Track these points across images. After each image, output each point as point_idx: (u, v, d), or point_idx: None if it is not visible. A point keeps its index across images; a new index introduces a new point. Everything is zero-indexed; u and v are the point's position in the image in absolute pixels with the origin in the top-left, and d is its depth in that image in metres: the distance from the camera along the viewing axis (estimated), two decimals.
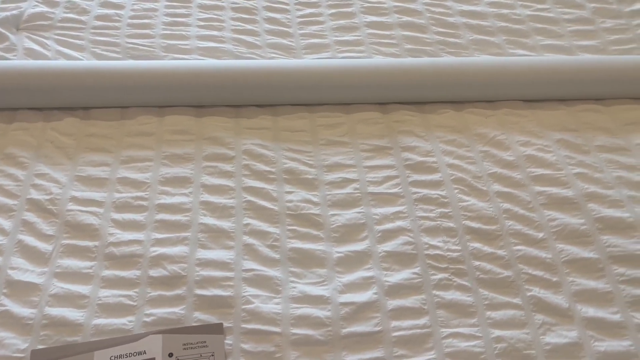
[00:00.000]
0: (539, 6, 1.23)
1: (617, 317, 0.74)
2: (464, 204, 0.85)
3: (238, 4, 1.19)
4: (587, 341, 0.72)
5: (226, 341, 0.71)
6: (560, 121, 0.99)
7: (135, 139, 0.94)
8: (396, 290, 0.75)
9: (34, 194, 0.84)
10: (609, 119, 0.99)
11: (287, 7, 1.20)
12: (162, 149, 0.92)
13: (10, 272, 0.75)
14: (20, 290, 0.74)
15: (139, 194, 0.86)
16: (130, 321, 0.72)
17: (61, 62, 0.99)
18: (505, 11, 1.21)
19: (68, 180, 0.87)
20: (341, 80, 0.99)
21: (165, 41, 1.10)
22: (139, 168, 0.89)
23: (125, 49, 1.08)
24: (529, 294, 0.76)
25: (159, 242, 0.80)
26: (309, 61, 1.02)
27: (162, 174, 0.88)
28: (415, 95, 1.00)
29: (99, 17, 1.14)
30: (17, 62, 0.99)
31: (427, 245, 0.80)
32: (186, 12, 1.17)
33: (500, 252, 0.80)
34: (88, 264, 0.77)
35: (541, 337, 0.72)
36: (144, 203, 0.84)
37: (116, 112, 0.97)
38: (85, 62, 1.01)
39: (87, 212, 0.83)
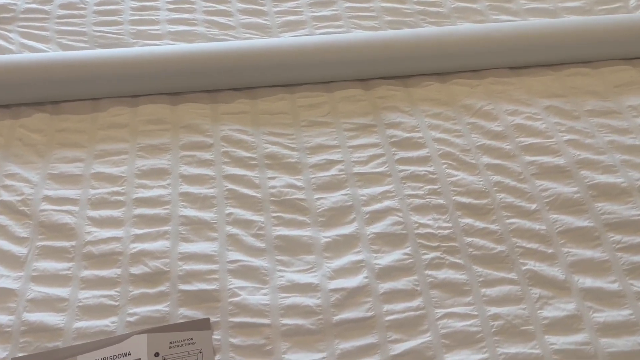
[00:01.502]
0: None
1: (615, 286, 0.72)
2: (453, 179, 0.83)
3: None
4: (585, 313, 0.70)
5: (214, 336, 0.68)
6: (548, 87, 0.96)
7: (109, 132, 0.90)
8: (387, 272, 0.73)
9: (5, 196, 0.81)
10: (598, 82, 0.97)
11: None
12: (137, 141, 0.88)
13: None
14: None
15: (115, 188, 0.83)
16: (113, 322, 0.70)
17: (26, 55, 0.95)
18: None
19: (40, 179, 0.84)
20: (320, 58, 0.95)
21: (135, 27, 1.06)
22: (113, 162, 0.86)
23: (93, 38, 1.04)
24: (524, 268, 0.74)
25: (138, 238, 0.77)
26: (286, 39, 0.99)
27: (138, 166, 0.85)
28: (398, 69, 0.97)
29: (64, 6, 1.10)
30: None
31: (417, 224, 0.78)
32: None
33: (493, 226, 0.78)
34: (66, 265, 0.75)
35: (538, 311, 0.70)
36: (121, 198, 0.81)
37: (87, 105, 0.94)
38: (51, 53, 0.96)
39: (61, 211, 0.80)
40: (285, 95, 0.96)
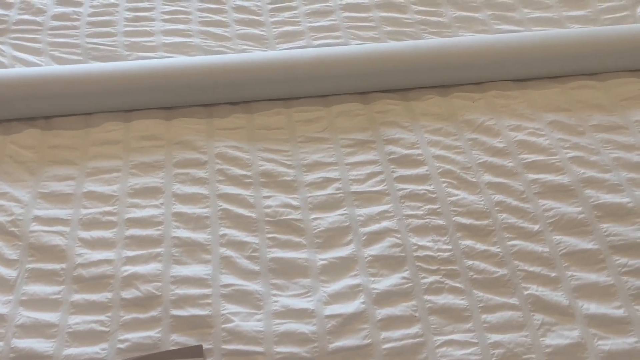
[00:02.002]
0: None
1: (620, 312, 0.70)
2: (454, 198, 0.81)
3: None
4: (590, 340, 0.68)
5: None
6: (552, 101, 0.94)
7: (101, 148, 0.89)
8: (385, 297, 0.72)
9: None
10: (604, 95, 0.95)
11: None
12: (130, 158, 0.87)
13: None
14: None
15: (107, 208, 0.81)
16: (103, 349, 0.68)
17: (17, 70, 0.94)
18: None
19: (30, 198, 0.82)
20: (318, 71, 0.94)
21: (129, 39, 1.05)
22: (105, 180, 0.85)
23: (86, 50, 1.02)
24: (526, 292, 0.72)
25: (130, 260, 0.75)
26: (283, 52, 0.97)
27: (131, 185, 0.84)
28: (398, 82, 0.95)
29: (56, 17, 1.08)
30: None
31: (415, 246, 0.76)
32: (149, 6, 1.11)
33: (494, 248, 0.76)
34: (56, 288, 0.73)
35: (541, 339, 0.69)
36: (113, 218, 0.80)
37: (80, 120, 0.92)
38: (43, 68, 0.95)
39: (52, 232, 0.78)
40: (282, 109, 0.94)
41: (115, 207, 0.81)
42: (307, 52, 0.96)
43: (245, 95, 0.94)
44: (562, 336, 0.69)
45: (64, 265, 0.75)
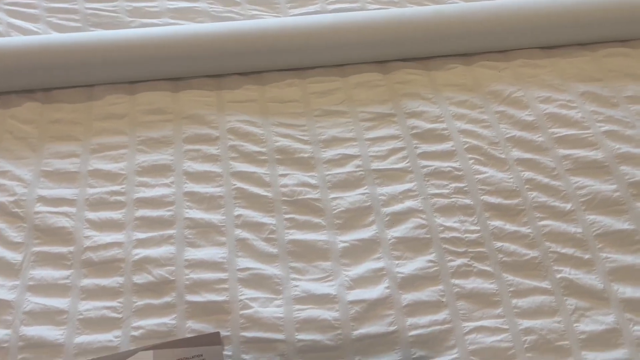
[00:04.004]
0: None
1: None
2: (481, 176, 0.78)
3: None
4: (625, 325, 0.67)
5: (225, 352, 0.65)
6: (583, 70, 0.90)
7: (106, 123, 0.85)
8: (410, 282, 0.70)
9: None
10: (637, 63, 0.91)
11: None
12: (137, 133, 0.84)
13: None
14: None
15: (115, 187, 0.78)
16: (116, 336, 0.67)
17: (15, 39, 0.89)
18: None
19: (33, 176, 0.80)
20: (333, 39, 0.90)
21: (131, 4, 1.00)
22: (112, 157, 0.82)
23: (85, 16, 0.98)
24: (558, 275, 0.70)
25: (141, 243, 0.73)
26: (296, 19, 0.92)
27: (139, 162, 0.81)
28: (419, 50, 0.91)
29: None
30: None
31: (441, 228, 0.74)
32: None
33: (524, 229, 0.74)
34: (64, 273, 0.71)
35: (575, 324, 0.67)
36: (121, 198, 0.77)
37: (82, 92, 0.89)
38: (42, 36, 0.91)
39: (58, 213, 0.76)
40: (296, 80, 0.90)
41: (123, 186, 0.78)
42: (321, 18, 0.91)
43: (256, 65, 0.90)
44: (597, 322, 0.67)
45: (71, 249, 0.73)
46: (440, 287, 0.69)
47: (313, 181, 0.79)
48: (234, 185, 0.78)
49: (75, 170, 0.80)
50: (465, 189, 0.77)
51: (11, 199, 0.77)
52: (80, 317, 0.68)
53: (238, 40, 0.88)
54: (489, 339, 0.66)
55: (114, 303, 0.69)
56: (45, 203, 0.77)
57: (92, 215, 0.76)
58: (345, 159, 0.81)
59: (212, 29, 0.90)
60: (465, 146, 0.81)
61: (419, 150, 0.81)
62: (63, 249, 0.73)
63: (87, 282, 0.71)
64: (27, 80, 0.87)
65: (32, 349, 0.66)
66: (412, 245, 0.73)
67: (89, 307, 0.69)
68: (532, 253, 0.72)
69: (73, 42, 0.88)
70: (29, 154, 0.82)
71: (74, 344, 0.66)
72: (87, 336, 0.67)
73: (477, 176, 0.78)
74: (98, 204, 0.77)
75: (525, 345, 0.65)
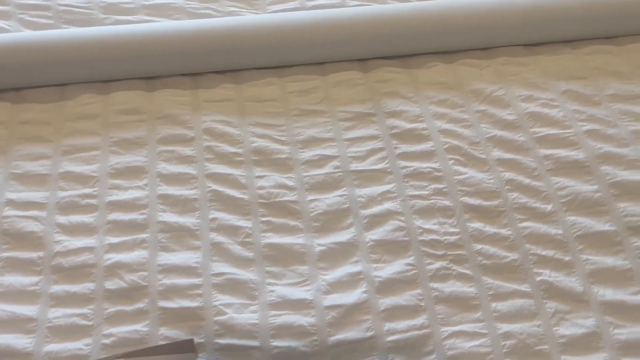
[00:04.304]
0: None
1: (638, 299, 0.67)
2: (461, 177, 0.77)
3: None
4: (605, 329, 0.66)
5: (199, 359, 0.65)
6: (566, 68, 0.89)
7: (78, 124, 0.83)
8: (388, 286, 0.69)
9: None
10: (622, 61, 0.90)
11: None
12: (110, 134, 0.82)
13: None
14: None
15: (87, 190, 0.76)
16: (86, 344, 0.65)
17: None
18: None
19: (2, 179, 0.77)
20: (313, 36, 0.88)
21: (105, 0, 0.98)
22: (84, 159, 0.80)
23: (58, 13, 0.95)
24: (538, 278, 0.69)
25: (113, 248, 0.72)
26: (275, 16, 0.91)
27: (112, 164, 0.79)
28: (400, 48, 0.90)
29: None
30: None
31: (420, 230, 0.73)
32: None
33: (504, 231, 0.73)
34: (33, 279, 0.69)
35: (554, 328, 0.66)
36: (93, 201, 0.75)
37: (53, 92, 0.86)
38: (12, 34, 0.88)
39: (27, 217, 0.74)
40: (274, 79, 0.88)
41: (95, 189, 0.76)
42: (301, 15, 0.89)
43: (234, 63, 0.88)
44: (577, 325, 0.66)
45: (41, 254, 0.71)
46: (419, 290, 0.68)
47: (290, 183, 0.77)
48: (209, 187, 0.76)
49: (45, 172, 0.78)
50: (445, 190, 0.76)
51: None
52: (50, 324, 0.66)
53: (215, 38, 0.87)
54: (468, 344, 0.65)
55: (84, 310, 0.67)
56: (14, 207, 0.75)
57: (62, 219, 0.74)
58: (324, 159, 0.80)
59: (188, 26, 0.88)
60: (445, 146, 0.80)
61: (398, 151, 0.80)
62: (32, 254, 0.71)
63: (57, 288, 0.69)
64: None
65: (0, 358, 0.64)
66: (390, 248, 0.71)
67: (59, 314, 0.67)
68: (512, 255, 0.71)
69: (45, 39, 0.86)
70: None
71: (43, 352, 0.64)
72: (57, 344, 0.65)
73: (456, 177, 0.77)
74: (69, 207, 0.75)
75: (504, 350, 0.64)
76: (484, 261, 0.71)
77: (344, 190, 0.77)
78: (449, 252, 0.71)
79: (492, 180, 0.77)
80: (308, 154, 0.80)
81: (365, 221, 0.74)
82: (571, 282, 0.69)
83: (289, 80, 0.88)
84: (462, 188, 0.76)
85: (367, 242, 0.72)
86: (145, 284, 0.69)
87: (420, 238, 0.72)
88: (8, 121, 0.83)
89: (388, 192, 0.76)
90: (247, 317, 0.67)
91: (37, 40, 0.86)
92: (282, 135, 0.82)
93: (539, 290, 0.69)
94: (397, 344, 0.65)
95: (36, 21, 0.95)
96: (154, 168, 0.79)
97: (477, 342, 0.65)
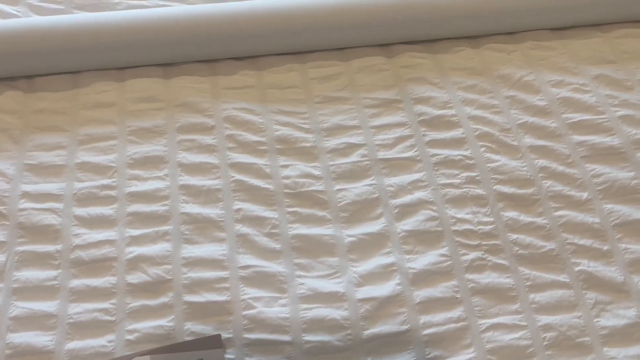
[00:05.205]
0: None
1: None
2: (493, 164, 0.75)
3: None
4: None
5: (227, 356, 0.62)
6: (596, 52, 0.87)
7: (93, 112, 0.81)
8: (423, 277, 0.67)
9: None
10: None
11: None
12: (127, 123, 0.79)
13: None
14: None
15: (105, 181, 0.74)
16: (110, 341, 0.63)
17: None
18: None
19: (16, 170, 0.75)
20: (334, 20, 0.85)
21: None
22: (101, 149, 0.77)
23: None
24: (576, 268, 0.67)
25: (135, 240, 0.69)
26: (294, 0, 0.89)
27: (130, 154, 0.76)
28: (424, 32, 0.88)
29: None
30: None
31: (453, 220, 0.70)
32: None
33: (540, 220, 0.71)
34: (51, 273, 0.67)
35: (595, 319, 0.64)
36: (112, 192, 0.73)
37: (67, 80, 0.84)
38: (23, 20, 0.86)
39: (43, 209, 0.71)
40: (295, 65, 0.86)
41: (113, 179, 0.74)
42: None
43: (253, 49, 0.86)
44: (618, 316, 0.64)
45: (59, 247, 0.69)
46: (454, 282, 0.66)
47: (316, 172, 0.75)
48: (233, 177, 0.74)
49: (61, 163, 0.76)
50: (477, 178, 0.74)
51: None
52: (71, 320, 0.64)
53: (233, 23, 0.84)
54: (507, 337, 0.63)
55: (106, 305, 0.65)
56: (30, 199, 0.72)
57: (80, 211, 0.72)
58: (350, 148, 0.77)
59: (205, 11, 0.85)
60: (476, 133, 0.78)
61: (427, 138, 0.78)
62: (50, 248, 0.69)
63: (76, 282, 0.67)
64: (7, 67, 0.82)
65: (20, 357, 0.62)
66: (423, 239, 0.69)
67: (80, 309, 0.65)
68: (549, 245, 0.69)
69: (56, 25, 0.83)
70: (12, 147, 0.77)
71: (64, 350, 0.62)
72: (79, 341, 0.63)
73: (489, 165, 0.75)
74: (87, 199, 0.73)
75: (545, 343, 0.63)
76: (520, 251, 0.69)
77: (372, 180, 0.74)
78: (484, 242, 0.69)
79: (525, 168, 0.75)
80: (333, 142, 0.78)
81: (395, 211, 0.72)
82: (611, 271, 0.67)
83: (310, 66, 0.86)
84: (494, 176, 0.74)
85: (399, 233, 0.70)
86: (170, 277, 0.66)
87: (454, 228, 0.70)
88: (22, 110, 0.81)
89: (418, 180, 0.74)
90: (277, 310, 0.64)
91: (48, 26, 0.83)
92: (306, 123, 0.80)
93: (578, 281, 0.67)
94: (434, 337, 0.63)
95: (46, 6, 0.92)
96: (174, 158, 0.76)
97: (517, 335, 0.63)
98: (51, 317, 0.64)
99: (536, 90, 0.82)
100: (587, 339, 0.63)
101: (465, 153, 0.76)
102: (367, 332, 0.63)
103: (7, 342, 0.62)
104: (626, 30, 0.89)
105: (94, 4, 0.92)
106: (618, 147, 0.76)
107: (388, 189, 0.73)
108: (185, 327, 0.63)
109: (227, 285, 0.66)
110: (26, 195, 0.72)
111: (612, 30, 0.90)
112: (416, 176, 0.74)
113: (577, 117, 0.79)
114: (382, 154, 0.77)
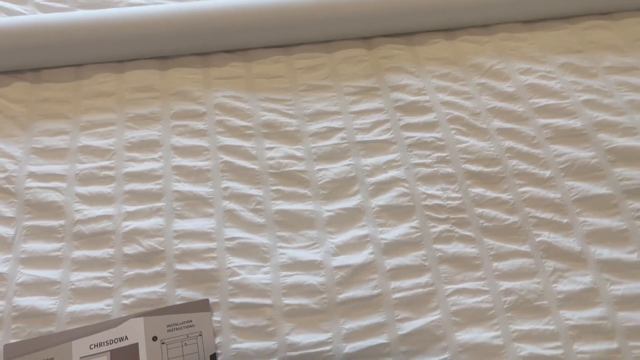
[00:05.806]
0: None
1: (634, 257, 0.71)
2: (462, 145, 0.80)
3: None
4: (602, 285, 0.69)
5: (214, 318, 0.68)
6: (563, 42, 0.93)
7: (95, 101, 0.87)
8: (394, 247, 0.72)
9: None
10: (617, 35, 0.93)
11: None
12: (125, 110, 0.86)
13: None
14: None
15: (104, 163, 0.80)
16: (108, 305, 0.69)
17: (2, 20, 0.91)
18: None
19: (23, 153, 0.81)
20: (319, 15, 0.91)
21: None
22: (101, 134, 0.84)
23: None
24: (537, 239, 0.73)
25: (131, 216, 0.75)
26: None
27: (128, 138, 0.83)
28: (402, 26, 0.93)
29: None
30: None
31: (424, 195, 0.76)
32: None
33: (505, 196, 0.76)
34: (55, 245, 0.73)
35: (553, 285, 0.70)
36: (111, 173, 0.79)
37: (70, 72, 0.90)
38: (29, 17, 0.92)
39: (48, 188, 0.78)
40: (282, 57, 0.92)
41: (112, 161, 0.80)
42: None
43: (243, 42, 0.92)
44: (575, 282, 0.70)
45: (62, 222, 0.75)
46: (423, 252, 0.72)
47: (299, 154, 0.81)
48: (222, 158, 0.80)
49: (65, 146, 0.82)
50: (447, 158, 0.79)
51: (2, 175, 0.78)
52: (72, 287, 0.70)
53: (225, 18, 0.90)
54: (470, 300, 0.68)
55: (104, 273, 0.71)
56: (36, 179, 0.79)
57: (82, 189, 0.78)
58: (331, 131, 0.83)
59: (198, 7, 0.91)
60: (447, 117, 0.83)
61: (402, 122, 0.83)
62: (54, 223, 0.75)
63: (78, 253, 0.73)
64: (15, 60, 0.89)
65: (26, 318, 0.68)
66: (395, 213, 0.75)
67: (81, 277, 0.71)
68: (512, 218, 0.74)
69: (61, 22, 0.89)
70: (19, 132, 0.84)
71: (66, 312, 0.68)
72: (79, 305, 0.69)
73: (458, 146, 0.80)
74: (88, 178, 0.79)
75: (505, 306, 0.68)
76: (485, 224, 0.74)
77: (350, 160, 0.80)
78: (452, 216, 0.74)
79: (492, 148, 0.80)
80: (315, 126, 0.84)
81: (371, 188, 0.77)
82: (569, 242, 0.72)
83: (296, 57, 0.92)
84: (463, 156, 0.79)
85: (373, 208, 0.75)
86: (162, 248, 0.72)
87: (424, 203, 0.75)
88: (28, 99, 0.87)
89: (393, 161, 0.79)
90: (259, 277, 0.70)
91: (53, 22, 0.89)
92: (291, 109, 0.86)
93: (539, 250, 0.72)
94: (403, 300, 0.68)
95: (51, 5, 0.99)
96: (168, 141, 0.82)
97: (479, 299, 0.68)
98: (55, 284, 0.70)
99: (505, 77, 0.88)
100: (545, 302, 0.68)
101: (437, 135, 0.81)
102: (341, 296, 0.69)
103: (14, 305, 0.68)
104: (594, 22, 0.94)
105: (97, 2, 0.99)
106: (580, 129, 0.81)
107: (364, 168, 0.79)
108: (176, 293, 0.69)
109: (214, 255, 0.72)
110: (32, 175, 0.79)
111: (580, 22, 0.94)
112: (391, 157, 0.80)
113: (543, 102, 0.84)
114: (360, 137, 0.82)
